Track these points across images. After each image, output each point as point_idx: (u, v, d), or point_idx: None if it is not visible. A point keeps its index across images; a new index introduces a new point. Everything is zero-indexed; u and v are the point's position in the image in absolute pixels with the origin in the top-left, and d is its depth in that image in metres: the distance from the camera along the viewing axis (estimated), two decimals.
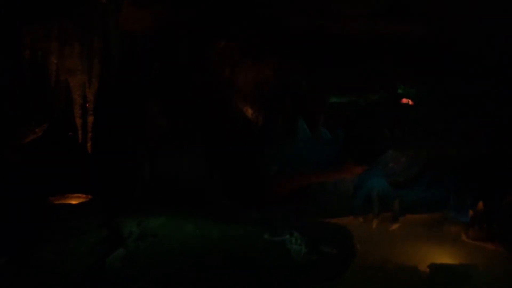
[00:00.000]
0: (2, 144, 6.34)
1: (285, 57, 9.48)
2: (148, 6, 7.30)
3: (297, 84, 9.94)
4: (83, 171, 7.43)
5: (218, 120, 9.44)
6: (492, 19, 7.35)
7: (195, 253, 5.92)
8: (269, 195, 8.40)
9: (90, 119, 6.51)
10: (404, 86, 9.22)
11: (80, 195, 6.85)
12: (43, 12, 6.28)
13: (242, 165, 9.16)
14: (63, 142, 7.49)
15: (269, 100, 9.37)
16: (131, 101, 8.70)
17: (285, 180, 8.63)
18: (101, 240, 6.34)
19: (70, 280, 5.32)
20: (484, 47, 8.13)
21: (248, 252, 5.96)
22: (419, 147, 8.79)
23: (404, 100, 9.65)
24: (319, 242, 6.09)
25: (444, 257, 6.15)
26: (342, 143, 9.36)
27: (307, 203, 8.45)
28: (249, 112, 9.64)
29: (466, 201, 7.83)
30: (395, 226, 7.52)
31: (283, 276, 5.30)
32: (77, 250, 5.88)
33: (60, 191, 6.81)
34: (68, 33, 6.34)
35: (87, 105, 6.58)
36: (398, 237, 7.16)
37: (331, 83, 9.76)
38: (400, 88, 9.00)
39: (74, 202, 6.66)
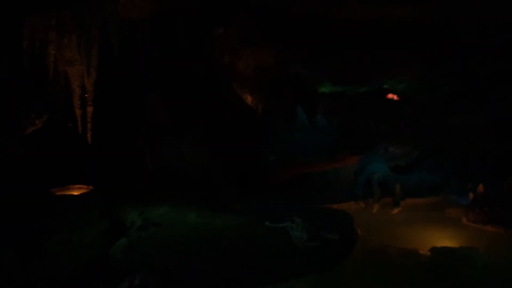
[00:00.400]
0: (2, 135, 6.36)
1: (285, 44, 9.41)
2: None
3: (297, 72, 9.88)
4: (84, 162, 7.47)
5: (219, 109, 9.42)
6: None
7: (197, 242, 5.96)
8: (267, 184, 8.43)
9: (90, 109, 6.51)
10: (391, 81, 9.03)
11: (81, 186, 6.89)
12: (41, 2, 6.24)
13: (243, 154, 9.18)
14: (63, 133, 7.52)
15: (269, 88, 9.33)
16: (131, 90, 8.70)
17: (282, 170, 8.65)
18: (104, 231, 6.41)
19: (74, 271, 5.39)
20: (484, 34, 8.01)
21: (249, 239, 6.00)
22: (406, 142, 8.77)
23: (390, 96, 9.50)
24: (320, 228, 6.12)
25: (445, 240, 6.17)
26: (337, 132, 9.36)
27: (308, 189, 8.48)
28: (249, 99, 9.60)
29: (467, 184, 7.83)
30: (396, 210, 7.55)
31: (284, 262, 5.34)
32: (80, 241, 5.95)
33: (61, 183, 6.86)
34: (66, 23, 6.31)
35: (86, 95, 6.58)
36: (399, 221, 7.17)
37: (329, 71, 9.69)
38: (387, 83, 8.84)
39: (76, 193, 6.70)
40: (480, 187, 6.83)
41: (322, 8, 8.11)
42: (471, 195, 7.02)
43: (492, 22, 7.57)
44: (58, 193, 6.59)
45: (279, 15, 8.44)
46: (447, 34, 8.34)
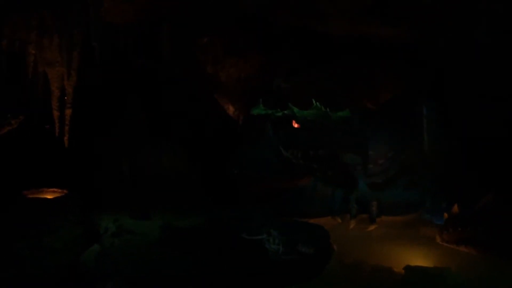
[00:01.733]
0: None
1: (268, 56, 9.47)
2: None
3: (278, 85, 9.91)
4: (59, 165, 7.31)
5: (199, 117, 9.39)
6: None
7: (171, 250, 5.86)
8: (243, 194, 8.42)
9: (68, 112, 6.40)
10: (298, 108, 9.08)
11: (55, 189, 6.75)
12: (23, 2, 6.14)
13: (219, 164, 9.15)
14: (40, 135, 7.36)
15: (251, 99, 9.34)
16: (111, 95, 8.59)
17: (249, 184, 8.62)
18: (76, 236, 6.26)
19: (44, 276, 5.23)
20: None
21: (225, 250, 5.94)
22: None
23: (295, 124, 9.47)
24: (296, 242, 6.10)
25: (419, 259, 6.22)
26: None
27: (285, 202, 8.46)
28: (230, 110, 9.62)
29: (442, 203, 7.93)
30: (372, 227, 7.61)
31: (260, 275, 5.30)
32: (51, 246, 5.79)
33: (35, 185, 6.69)
34: (47, 24, 6.21)
35: (66, 97, 6.47)
36: (375, 239, 7.25)
37: (309, 86, 9.74)
38: (294, 108, 8.90)
39: (49, 196, 6.56)
40: (455, 208, 6.92)
41: (305, 23, 8.22)
42: (445, 215, 7.11)
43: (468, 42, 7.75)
44: (30, 196, 6.42)
45: (264, 27, 8.51)
46: (423, 54, 8.54)
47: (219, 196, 8.46)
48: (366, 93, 9.64)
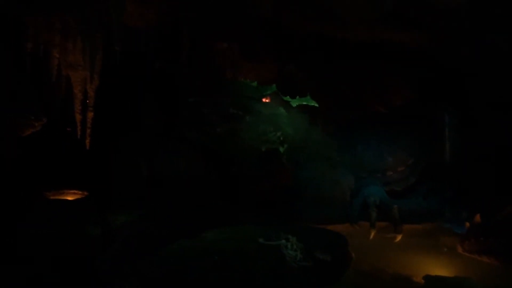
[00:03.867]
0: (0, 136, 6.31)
1: (285, 61, 9.47)
2: (152, 2, 7.28)
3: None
4: (80, 167, 7.39)
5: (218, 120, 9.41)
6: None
7: (188, 254, 5.86)
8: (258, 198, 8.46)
9: (90, 115, 6.47)
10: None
11: (76, 191, 6.82)
12: (46, 6, 6.25)
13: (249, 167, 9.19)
14: (61, 137, 7.46)
15: None
16: (131, 98, 8.67)
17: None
18: (95, 237, 6.31)
19: (62, 276, 5.29)
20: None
21: (242, 255, 5.91)
22: None
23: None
24: (314, 248, 6.05)
25: (439, 268, 6.12)
26: None
27: (302, 208, 8.44)
28: None
29: (462, 212, 7.81)
30: (398, 237, 7.49)
31: (277, 281, 5.26)
32: (71, 246, 5.85)
33: (56, 187, 6.78)
34: (71, 27, 6.31)
35: (87, 101, 6.55)
36: (393, 247, 7.16)
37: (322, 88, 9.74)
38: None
39: (70, 198, 6.63)
40: (477, 217, 6.79)
41: (323, 28, 8.19)
42: (467, 224, 6.99)
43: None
44: (52, 197, 6.51)
45: (283, 33, 8.52)
46: (444, 61, 8.43)
47: (235, 199, 8.48)
48: (378, 97, 9.58)
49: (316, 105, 9.32)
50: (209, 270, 5.38)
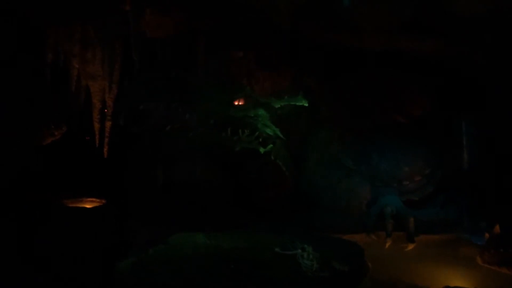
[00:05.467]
0: (21, 145, 6.42)
1: (302, 68, 9.48)
2: (170, 13, 7.36)
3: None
4: (98, 176, 7.48)
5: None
6: None
7: (204, 263, 5.88)
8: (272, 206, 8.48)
9: (108, 124, 6.55)
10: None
11: (94, 199, 6.90)
12: (67, 16, 6.37)
13: (253, 174, 9.19)
14: (80, 146, 7.57)
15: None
16: (146, 106, 8.74)
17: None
18: (112, 245, 6.37)
19: (81, 284, 5.34)
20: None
21: (258, 264, 5.91)
22: None
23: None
24: (330, 258, 6.02)
25: (458, 279, 6.02)
26: None
27: (317, 217, 8.41)
28: None
29: (481, 223, 7.69)
30: (411, 246, 7.41)
31: None
32: (88, 254, 5.91)
33: (75, 195, 6.88)
34: (90, 37, 6.41)
35: (106, 110, 6.63)
36: (411, 257, 7.06)
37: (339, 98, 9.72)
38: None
39: (88, 205, 6.71)
40: (497, 228, 6.70)
41: (340, 38, 8.19)
42: (486, 235, 6.89)
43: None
44: (70, 205, 6.60)
45: (297, 41, 8.54)
46: (462, 70, 8.36)
47: (249, 207, 8.49)
48: (397, 107, 9.51)
49: (305, 104, 9.20)
50: (226, 278, 5.39)
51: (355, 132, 9.54)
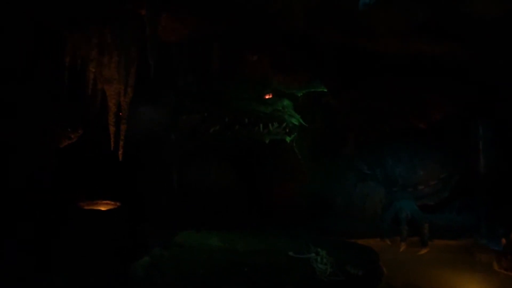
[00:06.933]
0: (38, 147, 6.52)
1: (316, 72, 9.45)
2: (185, 18, 7.41)
3: (326, 101, 9.89)
4: (113, 178, 7.54)
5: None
6: None
7: (218, 266, 5.90)
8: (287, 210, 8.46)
9: (123, 127, 6.60)
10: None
11: (109, 201, 6.97)
12: (84, 20, 6.46)
13: (265, 177, 9.20)
14: (95, 149, 7.64)
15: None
16: (161, 110, 8.80)
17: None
18: (127, 247, 6.42)
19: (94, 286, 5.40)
20: None
21: (272, 268, 5.91)
22: None
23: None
24: (344, 263, 5.99)
25: (474, 286, 5.97)
26: None
27: (331, 221, 8.37)
28: None
29: (498, 228, 7.58)
30: (424, 251, 7.35)
31: None
32: (103, 256, 5.96)
33: (90, 197, 6.96)
34: (107, 42, 6.49)
35: (121, 113, 6.69)
36: (426, 262, 6.99)
37: (357, 103, 9.66)
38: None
39: (103, 208, 6.78)
40: None
41: (355, 41, 8.14)
42: (503, 241, 6.79)
43: None
44: (86, 208, 6.68)
45: (312, 45, 8.52)
46: (479, 74, 8.24)
47: (264, 211, 8.49)
48: (416, 112, 9.42)
49: (324, 89, 9.35)
50: (240, 282, 5.40)
51: (370, 136, 9.50)
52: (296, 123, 8.95)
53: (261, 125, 8.61)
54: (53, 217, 6.33)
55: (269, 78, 9.32)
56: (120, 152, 6.61)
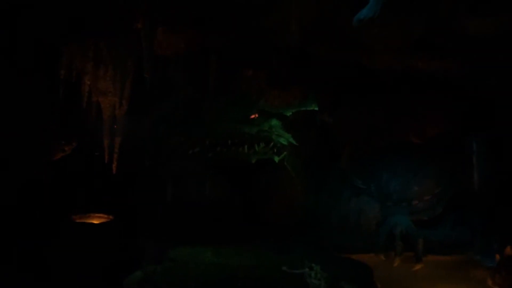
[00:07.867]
0: (32, 159, 6.49)
1: (311, 87, 9.49)
2: (182, 32, 7.45)
3: (322, 119, 9.90)
4: (106, 191, 7.51)
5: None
6: None
7: (211, 281, 5.86)
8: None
9: (118, 140, 6.59)
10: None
11: (102, 215, 6.92)
12: (80, 33, 6.48)
13: (260, 192, 9.19)
14: (89, 161, 7.62)
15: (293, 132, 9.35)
16: (156, 123, 8.81)
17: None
18: (120, 262, 6.36)
19: None
20: None
21: (265, 283, 5.87)
22: None
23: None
24: (338, 278, 5.96)
25: None
26: None
27: (326, 235, 8.34)
28: None
29: (493, 244, 7.57)
30: (418, 266, 7.33)
31: None
32: (95, 270, 5.91)
33: (82, 210, 6.91)
34: (103, 55, 6.51)
35: (115, 126, 6.69)
36: (420, 278, 6.96)
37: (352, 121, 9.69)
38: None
39: (95, 221, 6.73)
40: (508, 249, 6.58)
41: (350, 57, 8.20)
42: (497, 257, 6.78)
43: None
44: (78, 220, 6.63)
45: (308, 60, 8.56)
46: (473, 90, 8.30)
47: (259, 225, 8.45)
48: (412, 128, 9.45)
49: (316, 108, 9.33)
50: None
51: (364, 151, 9.51)
52: (285, 142, 8.93)
53: (245, 146, 8.59)
54: (45, 229, 6.27)
55: (264, 93, 9.34)
56: (114, 165, 6.59)
